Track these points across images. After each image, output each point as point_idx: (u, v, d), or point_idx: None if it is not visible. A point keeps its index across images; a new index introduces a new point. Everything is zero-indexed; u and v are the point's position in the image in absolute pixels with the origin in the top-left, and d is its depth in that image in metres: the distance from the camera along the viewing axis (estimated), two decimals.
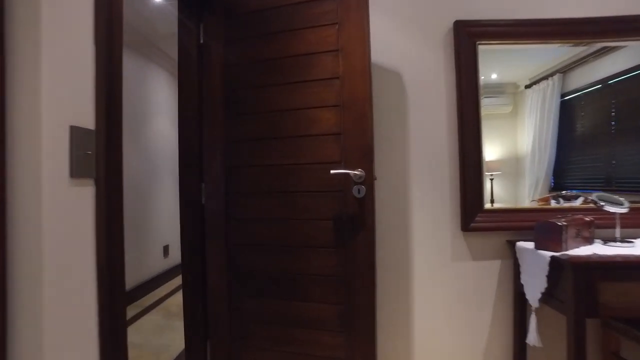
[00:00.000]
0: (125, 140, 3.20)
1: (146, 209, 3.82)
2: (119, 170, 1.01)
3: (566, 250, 1.44)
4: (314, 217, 1.61)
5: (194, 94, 1.79)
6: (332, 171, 1.48)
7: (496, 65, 1.84)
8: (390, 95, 1.86)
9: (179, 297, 3.18)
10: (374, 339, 1.52)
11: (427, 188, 1.83)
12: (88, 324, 0.90)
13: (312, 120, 1.61)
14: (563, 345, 1.45)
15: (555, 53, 1.89)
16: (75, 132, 0.86)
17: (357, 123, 1.54)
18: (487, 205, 1.80)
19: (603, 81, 1.86)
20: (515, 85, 1.97)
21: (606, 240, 1.62)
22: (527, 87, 1.97)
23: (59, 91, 0.83)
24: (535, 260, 1.51)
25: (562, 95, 1.90)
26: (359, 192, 1.51)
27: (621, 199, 1.58)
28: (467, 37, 1.80)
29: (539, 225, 1.52)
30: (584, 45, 1.83)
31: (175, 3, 1.83)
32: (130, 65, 3.49)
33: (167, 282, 4.14)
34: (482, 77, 1.82)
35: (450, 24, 1.83)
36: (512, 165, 1.92)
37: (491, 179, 1.86)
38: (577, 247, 1.51)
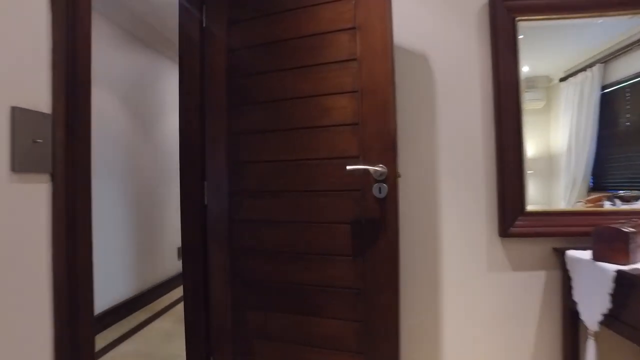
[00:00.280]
0: (139, 140, 3.07)
1: (159, 210, 3.69)
2: (86, 165, 0.83)
3: (635, 262, 1.18)
4: (328, 220, 1.40)
5: (196, 84, 1.61)
6: (348, 167, 1.27)
7: (528, 57, 1.59)
8: (415, 81, 1.63)
9: None
10: None
11: (458, 187, 1.59)
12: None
13: (325, 109, 1.40)
14: None
15: (602, 36, 1.62)
16: (20, 115, 0.68)
17: (377, 111, 1.32)
18: (530, 207, 1.55)
19: None
20: (548, 79, 1.73)
21: None
22: (562, 80, 1.72)
23: None
24: (593, 275, 1.25)
25: (603, 88, 1.64)
26: (380, 192, 1.30)
27: None
28: (506, 12, 1.55)
29: (598, 232, 1.26)
30: None
31: None
32: (142, 61, 3.37)
33: (179, 285, 4.00)
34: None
35: None
36: (545, 164, 1.68)
37: None
38: None
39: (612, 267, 1.17)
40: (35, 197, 0.72)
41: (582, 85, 1.68)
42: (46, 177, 0.74)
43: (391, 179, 1.30)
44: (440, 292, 1.59)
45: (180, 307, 3.40)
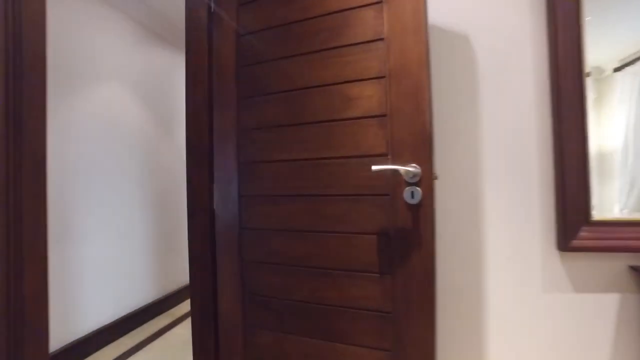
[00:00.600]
0: (159, 140, 2.95)
1: (180, 212, 3.60)
2: (39, 163, 0.66)
3: None
4: (350, 230, 1.19)
5: (204, 74, 1.45)
6: (374, 167, 1.06)
7: None
8: (453, 66, 1.39)
9: None
10: None
11: (505, 191, 1.34)
12: None
13: (348, 99, 1.20)
14: None
15: None
16: None
17: (409, 99, 1.10)
18: (598, 216, 1.28)
19: None
20: (599, 70, 1.43)
21: None
22: (617, 69, 1.42)
23: None
24: None
25: None
26: (412, 197, 1.08)
27: None
28: None
29: None
30: None
31: None
32: (161, 58, 3.28)
33: None
34: None
35: None
36: (594, 164, 1.39)
37: None
38: None
39: None
40: None
41: None
42: None
43: (426, 181, 1.07)
44: (485, 318, 1.34)
45: None
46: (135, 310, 2.81)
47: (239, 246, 1.37)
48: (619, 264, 1.25)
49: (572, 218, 1.27)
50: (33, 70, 0.66)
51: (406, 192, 1.09)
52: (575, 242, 1.26)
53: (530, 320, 1.31)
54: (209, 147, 1.44)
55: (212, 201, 1.44)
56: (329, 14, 1.22)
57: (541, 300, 1.30)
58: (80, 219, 2.33)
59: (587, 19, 1.31)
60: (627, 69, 1.41)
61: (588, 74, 1.35)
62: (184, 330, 2.90)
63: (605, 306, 1.26)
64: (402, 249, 1.11)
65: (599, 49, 1.40)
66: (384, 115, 1.14)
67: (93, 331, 2.41)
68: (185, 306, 3.42)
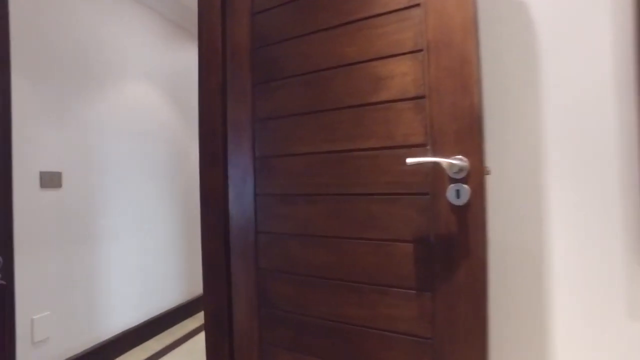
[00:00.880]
0: (187, 138, 2.88)
1: None
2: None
3: None
4: (381, 236, 0.99)
5: (218, 59, 1.31)
6: (409, 160, 0.86)
7: None
8: (508, 37, 1.16)
9: None
10: None
11: (576, 190, 1.08)
12: None
13: (378, 79, 1.00)
14: None
15: None
16: None
17: (453, 75, 0.89)
18: None
19: None
20: None
21: None
22: None
23: None
24: None
25: None
26: (458, 196, 0.87)
27: None
28: None
29: None
30: None
31: None
32: (190, 54, 3.22)
33: None
34: None
35: None
36: None
37: None
38: None
39: None
40: None
41: None
42: None
43: (475, 176, 0.86)
44: (551, 347, 1.09)
45: None
46: (162, 313, 2.75)
47: (255, 252, 1.21)
48: None
49: None
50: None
51: (450, 191, 0.88)
52: None
53: (610, 352, 1.04)
54: (222, 141, 1.30)
55: (227, 201, 1.30)
56: None
57: (625, 328, 1.03)
58: (108, 219, 2.29)
59: None
60: None
61: None
62: None
63: None
64: (446, 260, 0.89)
65: None
66: (422, 97, 0.93)
67: (119, 333, 2.36)
68: None
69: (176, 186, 2.97)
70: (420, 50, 0.94)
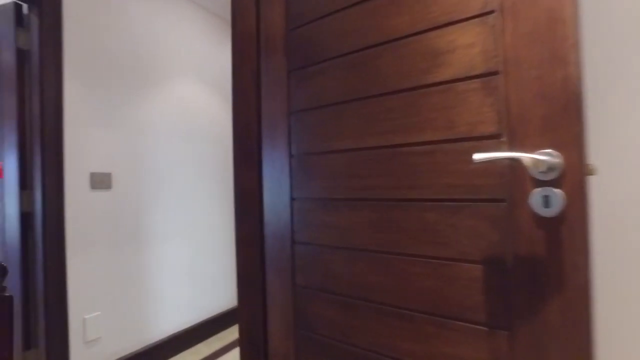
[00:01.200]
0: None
1: None
2: None
3: None
4: (440, 254, 0.78)
5: (252, 46, 1.17)
6: (477, 156, 0.64)
7: None
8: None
9: None
10: None
11: None
12: None
13: (434, 54, 0.79)
14: None
15: None
16: None
17: (538, 42, 0.66)
18: None
19: None
20: None
21: None
22: None
23: None
24: None
25: None
26: (547, 204, 0.64)
27: None
28: None
29: None
30: None
31: None
32: None
33: None
34: None
35: None
36: None
37: None
38: None
39: None
40: None
41: None
42: None
43: (572, 177, 0.62)
44: None
45: None
46: (212, 317, 2.71)
47: (291, 265, 1.05)
48: None
49: None
50: None
51: (535, 197, 0.65)
52: None
53: None
54: (257, 138, 1.16)
55: (262, 206, 1.16)
56: None
57: None
58: (157, 220, 2.28)
59: None
60: None
61: None
62: None
63: None
64: (530, 290, 0.67)
65: None
66: (494, 73, 0.71)
67: (169, 335, 2.34)
68: None
69: (226, 186, 2.93)
70: (492, 12, 0.71)
